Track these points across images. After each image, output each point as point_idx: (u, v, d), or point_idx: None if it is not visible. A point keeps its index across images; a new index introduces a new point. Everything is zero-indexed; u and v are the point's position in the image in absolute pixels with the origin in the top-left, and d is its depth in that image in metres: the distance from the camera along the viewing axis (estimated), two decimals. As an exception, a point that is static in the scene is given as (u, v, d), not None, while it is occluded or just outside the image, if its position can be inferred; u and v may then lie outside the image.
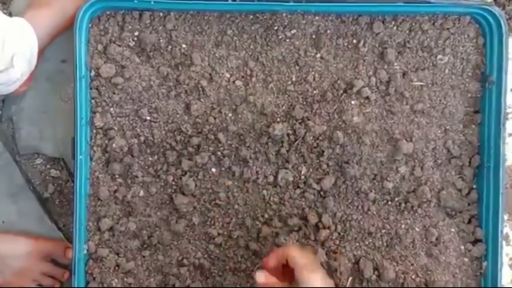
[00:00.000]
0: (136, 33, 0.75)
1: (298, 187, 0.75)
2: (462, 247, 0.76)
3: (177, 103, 0.75)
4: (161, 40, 0.75)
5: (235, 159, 0.75)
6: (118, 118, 0.75)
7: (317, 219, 0.75)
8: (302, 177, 0.75)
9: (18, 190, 0.82)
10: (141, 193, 0.76)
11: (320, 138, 0.75)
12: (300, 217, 0.75)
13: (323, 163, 0.75)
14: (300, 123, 0.75)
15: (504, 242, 0.78)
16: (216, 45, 0.75)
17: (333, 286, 0.66)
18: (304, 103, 0.75)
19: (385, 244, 0.76)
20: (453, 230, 0.76)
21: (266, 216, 0.76)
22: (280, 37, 0.75)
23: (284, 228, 0.75)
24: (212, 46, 0.75)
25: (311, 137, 0.74)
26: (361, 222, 0.75)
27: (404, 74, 0.74)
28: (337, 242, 0.75)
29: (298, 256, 0.64)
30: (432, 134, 0.75)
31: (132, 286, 0.76)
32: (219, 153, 0.75)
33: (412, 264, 0.75)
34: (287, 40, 0.75)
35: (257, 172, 0.75)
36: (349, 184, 0.75)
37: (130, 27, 0.75)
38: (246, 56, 0.75)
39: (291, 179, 0.75)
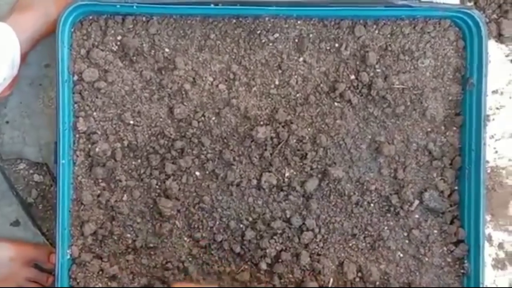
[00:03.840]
0: (119, 38, 0.75)
1: (282, 190, 0.76)
2: (445, 248, 0.77)
3: (160, 107, 0.75)
4: (144, 45, 0.75)
5: (219, 163, 0.75)
6: (101, 122, 0.75)
7: (301, 222, 0.75)
8: (286, 180, 0.76)
9: (1, 195, 0.82)
10: (125, 197, 0.76)
11: (304, 141, 0.75)
12: (284, 220, 0.75)
13: (307, 166, 0.75)
14: (283, 126, 0.75)
15: (486, 243, 0.79)
16: (199, 49, 0.76)
17: None
18: (287, 106, 0.76)
19: (368, 246, 0.76)
20: (435, 231, 0.77)
21: (250, 219, 0.76)
22: (263, 41, 0.75)
23: (268, 231, 0.75)
24: (195, 50, 0.76)
25: (295, 140, 0.75)
26: (345, 224, 0.76)
27: (385, 77, 0.75)
28: (321, 244, 0.75)
29: None
30: (414, 137, 0.76)
31: (116, 290, 0.76)
32: (202, 156, 0.75)
33: (396, 266, 0.76)
34: (270, 44, 0.76)
35: (240, 175, 0.75)
36: (332, 186, 0.75)
37: (113, 31, 0.75)
38: (229, 60, 0.76)
39: (274, 182, 0.75)
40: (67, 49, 0.74)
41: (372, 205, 0.76)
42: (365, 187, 0.76)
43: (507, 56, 0.82)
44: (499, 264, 0.82)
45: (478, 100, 0.74)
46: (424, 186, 0.76)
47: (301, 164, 0.75)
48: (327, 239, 0.76)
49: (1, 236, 0.82)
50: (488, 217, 0.81)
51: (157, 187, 0.75)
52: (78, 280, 0.75)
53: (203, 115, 0.75)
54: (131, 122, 0.75)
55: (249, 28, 0.75)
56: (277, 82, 0.76)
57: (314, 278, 0.75)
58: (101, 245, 0.76)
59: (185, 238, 0.76)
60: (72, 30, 0.74)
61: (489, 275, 0.80)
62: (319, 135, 0.75)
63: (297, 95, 0.76)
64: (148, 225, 0.76)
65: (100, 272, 0.76)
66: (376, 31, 0.76)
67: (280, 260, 0.75)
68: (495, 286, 0.81)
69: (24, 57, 0.73)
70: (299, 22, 0.76)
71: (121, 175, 0.75)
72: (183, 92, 0.75)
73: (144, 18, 0.75)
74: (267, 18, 0.75)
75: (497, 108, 0.82)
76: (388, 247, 0.76)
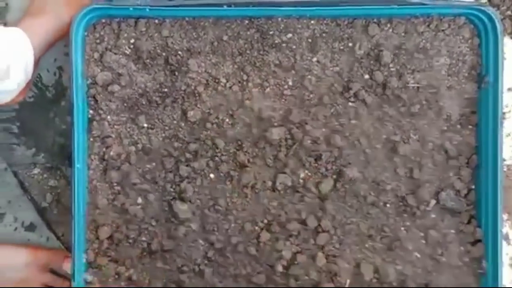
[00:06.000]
0: (132, 41, 0.75)
1: (297, 191, 0.75)
2: (462, 247, 0.76)
3: (173, 110, 0.75)
4: (157, 47, 0.75)
5: (233, 165, 0.75)
6: (115, 126, 0.75)
7: (317, 223, 0.75)
8: (301, 181, 0.75)
9: (16, 200, 0.82)
10: (140, 200, 0.75)
11: (318, 141, 0.75)
12: (299, 222, 0.75)
13: (322, 167, 0.75)
14: (297, 127, 0.75)
15: (504, 242, 0.78)
16: (212, 51, 0.75)
17: None
18: (301, 107, 0.75)
19: (385, 246, 0.75)
20: (452, 231, 0.76)
21: (265, 221, 0.75)
22: (276, 41, 0.75)
23: (284, 232, 0.75)
24: (208, 52, 0.75)
25: (309, 141, 0.74)
26: (361, 225, 0.75)
27: (400, 76, 0.75)
28: (337, 245, 0.75)
29: None
30: (430, 136, 0.75)
31: (132, 294, 0.76)
32: (217, 158, 0.75)
33: (413, 266, 0.75)
34: (283, 45, 0.75)
35: (255, 177, 0.75)
36: (347, 187, 0.75)
37: (125, 34, 0.75)
38: (242, 61, 0.75)
39: (289, 183, 0.75)
40: (80, 53, 0.73)
41: (388, 205, 0.76)
42: (381, 187, 0.75)
43: (522, 53, 0.81)
44: (516, 263, 0.81)
45: (494, 98, 0.74)
46: (441, 186, 0.76)
47: (316, 165, 0.75)
48: (343, 240, 0.75)
49: (16, 241, 0.82)
50: (505, 216, 0.80)
51: (171, 190, 0.75)
52: (94, 284, 0.75)
53: (217, 117, 0.75)
54: (145, 125, 0.75)
55: (262, 29, 0.75)
56: (290, 83, 0.76)
57: (331, 279, 0.74)
58: (116, 248, 0.76)
59: (201, 241, 0.76)
60: (86, 33, 0.74)
61: (507, 274, 0.79)
62: (333, 136, 0.75)
63: (311, 95, 0.75)
64: (163, 228, 0.76)
65: (116, 276, 0.76)
66: (390, 30, 0.75)
67: (296, 262, 0.75)
68: (513, 286, 0.80)
69: (37, 62, 0.73)
70: (312, 22, 0.75)
71: (135, 178, 0.75)
72: (197, 95, 0.75)
73: (156, 21, 0.75)
74: (279, 19, 0.75)
75: (513, 106, 0.81)
76: (405, 247, 0.75)
